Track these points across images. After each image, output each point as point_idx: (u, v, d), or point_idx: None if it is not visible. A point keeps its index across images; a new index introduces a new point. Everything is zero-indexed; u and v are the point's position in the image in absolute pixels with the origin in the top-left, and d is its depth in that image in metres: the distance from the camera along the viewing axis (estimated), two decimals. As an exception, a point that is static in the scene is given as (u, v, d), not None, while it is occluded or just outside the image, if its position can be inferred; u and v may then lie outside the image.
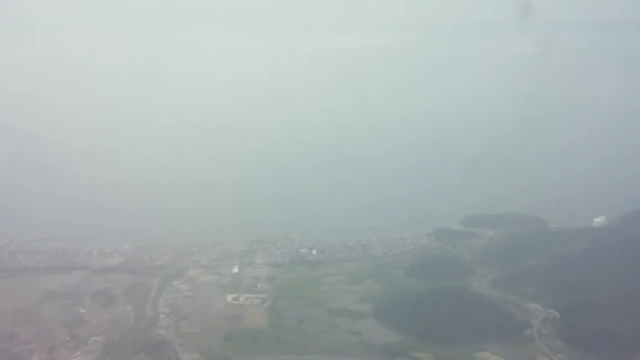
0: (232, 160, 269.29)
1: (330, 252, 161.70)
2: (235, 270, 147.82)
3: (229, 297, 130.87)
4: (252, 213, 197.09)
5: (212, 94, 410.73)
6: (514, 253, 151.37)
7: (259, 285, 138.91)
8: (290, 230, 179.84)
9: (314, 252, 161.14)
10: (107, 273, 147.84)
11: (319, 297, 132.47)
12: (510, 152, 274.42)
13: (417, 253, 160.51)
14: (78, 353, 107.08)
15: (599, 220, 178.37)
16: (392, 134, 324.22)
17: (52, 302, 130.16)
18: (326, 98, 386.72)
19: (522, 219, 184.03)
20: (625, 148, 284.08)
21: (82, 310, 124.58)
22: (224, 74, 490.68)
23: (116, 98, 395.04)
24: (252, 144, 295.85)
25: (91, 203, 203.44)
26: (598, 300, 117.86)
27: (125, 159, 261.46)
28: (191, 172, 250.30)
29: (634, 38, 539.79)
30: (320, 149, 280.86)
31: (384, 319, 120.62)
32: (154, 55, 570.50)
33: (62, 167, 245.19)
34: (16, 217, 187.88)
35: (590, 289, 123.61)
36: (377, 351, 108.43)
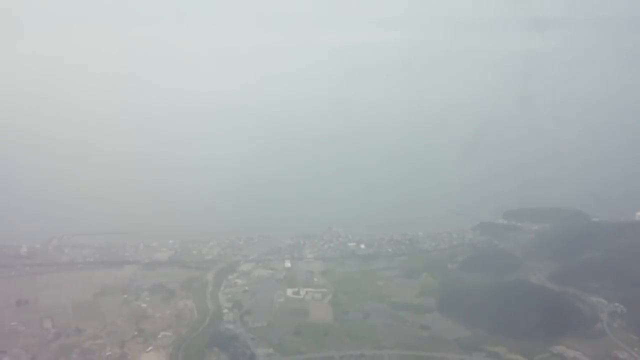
0: (266, 154, 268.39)
1: (378, 246, 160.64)
2: (288, 264, 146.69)
3: (289, 291, 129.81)
4: (291, 207, 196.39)
5: (228, 89, 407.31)
6: (567, 247, 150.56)
7: (315, 279, 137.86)
8: (333, 224, 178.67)
9: (362, 246, 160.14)
10: (158, 267, 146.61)
11: (379, 292, 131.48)
12: (539, 146, 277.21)
13: (466, 247, 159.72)
14: (150, 348, 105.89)
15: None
16: (414, 128, 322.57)
17: (110, 296, 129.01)
18: (345, 90, 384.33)
19: (564, 213, 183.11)
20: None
21: (144, 305, 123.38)
22: (237, 69, 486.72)
23: (136, 96, 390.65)
24: (281, 137, 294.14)
25: (127, 200, 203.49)
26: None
27: (157, 158, 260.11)
28: (223, 168, 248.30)
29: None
30: (350, 143, 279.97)
31: (449, 313, 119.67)
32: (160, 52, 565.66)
33: (92, 166, 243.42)
34: (55, 212, 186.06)
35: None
36: (451, 346, 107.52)
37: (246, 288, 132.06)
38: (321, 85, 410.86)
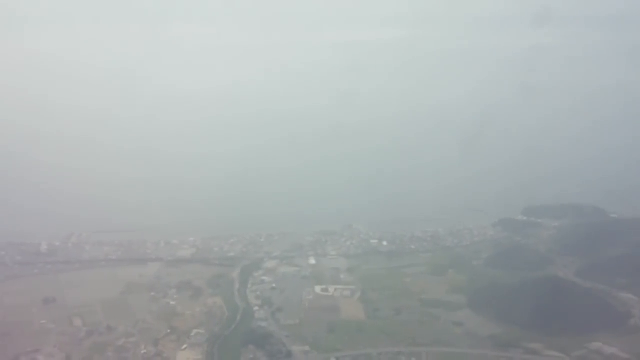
0: (281, 150, 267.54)
1: (400, 243, 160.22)
2: (313, 261, 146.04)
3: (318, 289, 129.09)
4: (307, 203, 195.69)
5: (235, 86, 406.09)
6: (589, 243, 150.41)
7: (342, 276, 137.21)
8: (351, 221, 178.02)
9: (384, 243, 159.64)
10: (182, 265, 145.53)
11: (407, 288, 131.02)
12: (553, 143, 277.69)
13: (488, 244, 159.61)
14: (185, 346, 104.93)
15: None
16: (424, 124, 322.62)
17: (138, 294, 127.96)
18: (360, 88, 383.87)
19: (583, 209, 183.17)
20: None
21: (172, 303, 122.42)
22: (247, 66, 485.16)
23: (143, 94, 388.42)
24: (290, 133, 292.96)
25: (141, 197, 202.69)
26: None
27: (168, 155, 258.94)
28: (235, 164, 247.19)
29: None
30: (361, 139, 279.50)
31: (481, 310, 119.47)
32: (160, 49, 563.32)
33: (104, 164, 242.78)
34: (70, 210, 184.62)
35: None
36: (487, 343, 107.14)
37: (274, 285, 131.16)
38: (329, 80, 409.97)
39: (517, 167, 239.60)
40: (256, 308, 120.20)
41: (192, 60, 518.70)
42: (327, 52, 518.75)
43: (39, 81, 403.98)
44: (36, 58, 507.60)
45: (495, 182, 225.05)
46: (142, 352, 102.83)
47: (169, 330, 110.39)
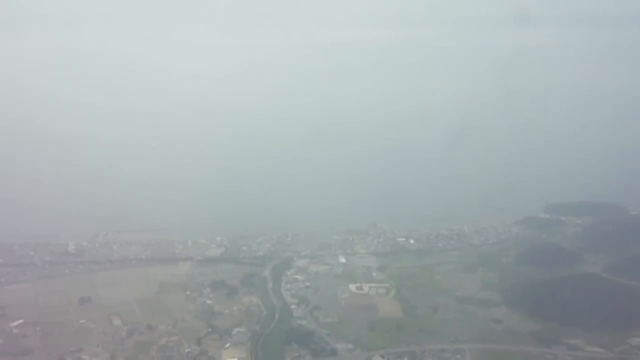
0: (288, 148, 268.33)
1: (427, 241, 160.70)
2: (343, 260, 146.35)
3: (352, 287, 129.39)
4: (325, 202, 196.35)
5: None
6: (616, 240, 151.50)
7: (373, 274, 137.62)
8: (377, 220, 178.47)
9: (411, 241, 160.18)
10: (212, 264, 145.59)
11: (440, 286, 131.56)
12: (567, 143, 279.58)
13: (514, 241, 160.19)
14: (228, 344, 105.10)
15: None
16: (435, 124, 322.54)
17: (172, 293, 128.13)
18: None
19: (604, 206, 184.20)
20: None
21: (209, 302, 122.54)
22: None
23: (155, 94, 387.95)
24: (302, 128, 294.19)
25: (161, 196, 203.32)
26: None
27: (183, 154, 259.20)
28: (249, 161, 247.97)
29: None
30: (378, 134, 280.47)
31: (517, 306, 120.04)
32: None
33: (124, 164, 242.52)
34: (93, 211, 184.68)
35: None
36: (528, 339, 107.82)
37: (307, 284, 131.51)
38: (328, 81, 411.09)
39: (526, 166, 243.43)
40: (293, 306, 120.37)
41: (181, 60, 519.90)
42: (318, 54, 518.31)
43: (48, 81, 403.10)
44: (36, 59, 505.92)
45: (510, 180, 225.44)
46: (186, 350, 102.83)
47: (209, 329, 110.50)
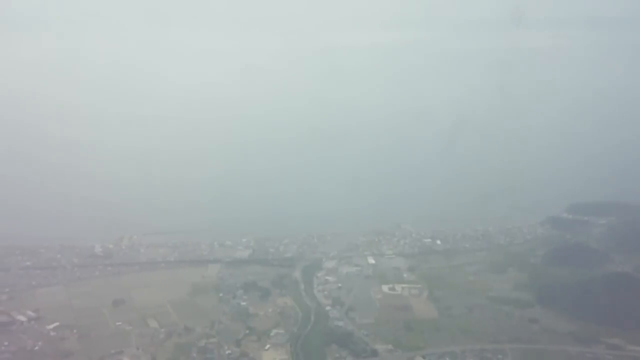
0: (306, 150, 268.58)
1: (453, 242, 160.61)
2: (372, 260, 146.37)
3: (385, 288, 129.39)
4: (351, 204, 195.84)
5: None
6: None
7: (404, 275, 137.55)
8: (399, 221, 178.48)
9: (438, 242, 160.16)
10: (241, 265, 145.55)
11: (472, 286, 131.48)
12: (583, 144, 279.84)
13: (541, 242, 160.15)
14: (268, 346, 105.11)
15: None
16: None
17: (205, 294, 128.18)
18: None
19: (625, 206, 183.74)
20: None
21: (243, 303, 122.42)
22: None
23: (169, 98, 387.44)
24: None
25: (183, 198, 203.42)
26: None
27: (204, 157, 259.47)
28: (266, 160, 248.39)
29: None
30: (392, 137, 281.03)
31: (552, 306, 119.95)
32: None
33: (142, 167, 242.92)
34: (113, 213, 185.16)
35: None
36: (566, 339, 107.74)
37: (339, 285, 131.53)
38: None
39: (543, 166, 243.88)
40: (328, 307, 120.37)
41: (180, 62, 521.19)
42: (318, 55, 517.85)
43: (48, 83, 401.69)
44: (36, 60, 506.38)
45: (527, 180, 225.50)
46: (227, 352, 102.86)
47: (247, 331, 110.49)
